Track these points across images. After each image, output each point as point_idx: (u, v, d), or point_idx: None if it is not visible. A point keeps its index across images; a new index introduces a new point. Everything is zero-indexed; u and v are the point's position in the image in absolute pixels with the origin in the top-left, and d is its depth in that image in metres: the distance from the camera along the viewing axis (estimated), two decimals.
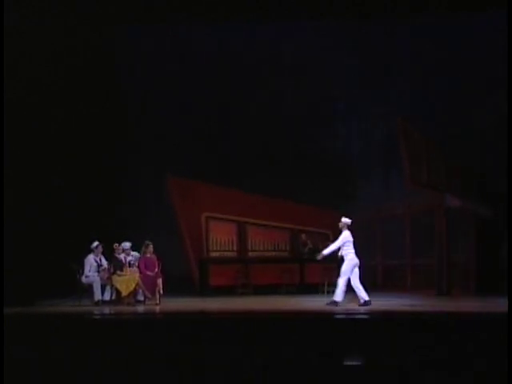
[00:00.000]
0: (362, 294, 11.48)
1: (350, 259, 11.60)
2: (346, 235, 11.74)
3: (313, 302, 12.63)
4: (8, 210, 11.62)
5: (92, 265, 12.47)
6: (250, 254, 15.27)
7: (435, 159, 13.77)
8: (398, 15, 13.59)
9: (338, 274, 11.83)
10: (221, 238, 15.15)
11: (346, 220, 11.82)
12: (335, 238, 15.22)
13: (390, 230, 14.23)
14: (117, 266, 12.43)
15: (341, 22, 14.72)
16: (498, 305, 10.45)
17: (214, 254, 15.02)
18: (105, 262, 12.65)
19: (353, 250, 11.67)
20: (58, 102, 13.40)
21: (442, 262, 13.30)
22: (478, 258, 13.47)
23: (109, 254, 12.70)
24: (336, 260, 14.74)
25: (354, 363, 8.38)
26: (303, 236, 15.29)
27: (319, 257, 11.94)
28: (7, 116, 11.59)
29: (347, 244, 11.69)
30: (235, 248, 15.29)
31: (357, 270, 11.61)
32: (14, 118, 11.90)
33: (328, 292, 14.10)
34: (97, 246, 12.58)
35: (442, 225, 13.44)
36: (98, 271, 12.49)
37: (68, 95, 13.64)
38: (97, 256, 12.60)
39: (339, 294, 11.51)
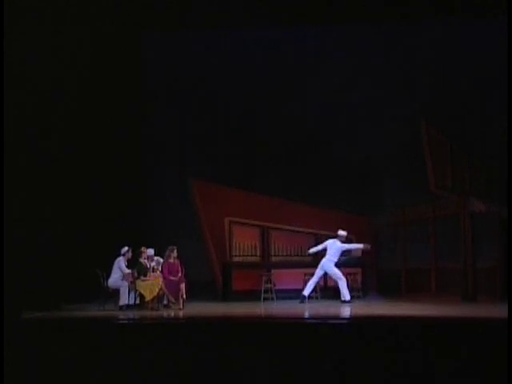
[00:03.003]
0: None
1: None
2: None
3: (336, 307, 12.58)
4: (33, 214, 11.74)
5: (121, 267, 12.55)
6: (273, 258, 15.24)
7: (459, 162, 13.65)
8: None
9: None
10: (244, 243, 15.15)
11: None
12: (359, 243, 15.27)
13: (414, 234, 14.11)
14: (140, 270, 12.49)
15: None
16: None
17: (237, 259, 15.02)
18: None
19: None
20: (79, 107, 13.49)
21: (468, 267, 13.17)
22: (504, 262, 13.30)
23: (133, 258, 12.78)
24: (360, 265, 14.74)
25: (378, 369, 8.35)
26: None
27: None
28: (38, 116, 11.77)
29: None
30: (258, 253, 15.28)
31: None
32: (37, 118, 12.07)
33: (352, 297, 14.05)
34: (128, 251, 12.70)
35: (467, 229, 13.30)
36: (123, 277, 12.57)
37: (88, 101, 13.72)
38: (126, 261, 12.71)
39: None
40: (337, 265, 13.31)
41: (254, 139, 15.91)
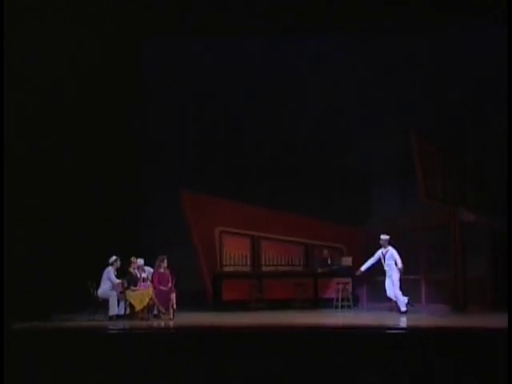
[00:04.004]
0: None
1: None
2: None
3: (327, 317, 12.57)
4: (25, 223, 11.69)
5: (111, 277, 12.50)
6: (264, 268, 15.21)
7: (450, 173, 13.70)
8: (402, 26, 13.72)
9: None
10: (234, 253, 15.11)
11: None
12: (349, 253, 15.26)
13: (404, 245, 14.10)
14: (131, 280, 12.44)
15: (348, 34, 14.79)
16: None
17: (227, 269, 14.97)
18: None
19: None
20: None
21: (458, 277, 13.19)
22: (494, 272, 13.35)
23: (123, 268, 12.73)
24: (349, 275, 14.73)
25: (369, 379, 8.34)
26: (325, 252, 15.24)
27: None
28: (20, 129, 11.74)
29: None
30: (249, 262, 15.24)
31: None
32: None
33: (342, 307, 14.04)
34: (116, 260, 12.65)
35: (457, 239, 13.34)
36: (112, 287, 12.51)
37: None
38: (115, 270, 12.66)
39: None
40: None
41: (244, 149, 15.92)
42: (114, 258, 12.65)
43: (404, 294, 12.69)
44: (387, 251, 12.90)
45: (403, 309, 12.51)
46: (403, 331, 10.39)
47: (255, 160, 15.88)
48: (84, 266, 12.66)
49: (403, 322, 11.46)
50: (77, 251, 13.16)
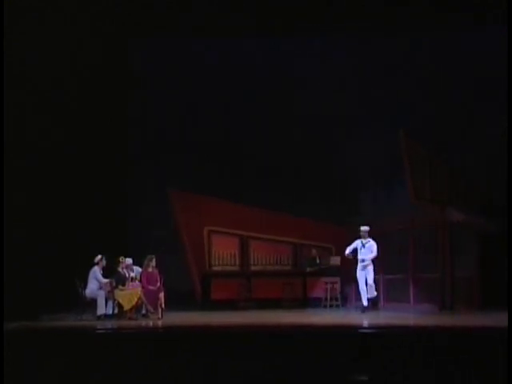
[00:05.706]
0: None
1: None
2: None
3: (315, 317, 12.58)
4: (13, 222, 11.64)
5: (97, 276, 12.46)
6: (253, 267, 15.23)
7: (439, 173, 13.73)
8: (399, 27, 13.75)
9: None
10: (223, 252, 15.12)
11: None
12: (338, 252, 15.28)
13: (392, 245, 14.14)
14: (119, 280, 12.41)
15: (345, 35, 14.82)
16: (501, 319, 10.31)
17: (216, 268, 15.00)
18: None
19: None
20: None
21: (446, 277, 13.22)
22: (482, 272, 13.38)
23: (111, 268, 12.69)
24: (338, 274, 14.75)
25: (358, 378, 8.35)
26: (314, 251, 15.26)
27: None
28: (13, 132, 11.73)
29: None
30: (237, 262, 15.26)
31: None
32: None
33: (331, 306, 14.06)
34: (101, 259, 12.60)
35: (445, 239, 13.36)
36: (100, 286, 12.48)
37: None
38: (101, 269, 12.61)
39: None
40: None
41: (233, 149, 15.91)
42: (99, 257, 12.64)
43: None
44: (367, 241, 13.10)
45: (365, 303, 12.89)
46: (393, 331, 10.39)
47: (253, 160, 15.87)
48: (73, 265, 12.62)
49: (391, 320, 11.48)
50: (67, 251, 13.14)
